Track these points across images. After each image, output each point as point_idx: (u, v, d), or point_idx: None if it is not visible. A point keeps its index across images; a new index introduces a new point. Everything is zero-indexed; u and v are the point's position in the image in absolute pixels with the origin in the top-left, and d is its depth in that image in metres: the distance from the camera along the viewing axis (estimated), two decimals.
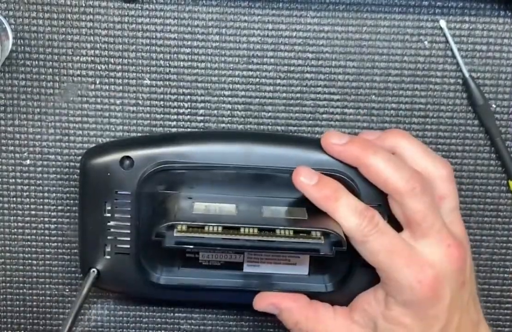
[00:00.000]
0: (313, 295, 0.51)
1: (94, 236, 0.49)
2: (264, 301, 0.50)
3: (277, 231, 0.47)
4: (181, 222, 0.46)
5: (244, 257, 0.51)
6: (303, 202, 0.49)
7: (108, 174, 0.48)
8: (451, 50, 0.51)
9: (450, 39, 0.51)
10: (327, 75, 0.52)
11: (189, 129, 0.52)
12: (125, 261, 0.50)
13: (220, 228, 0.46)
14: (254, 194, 0.49)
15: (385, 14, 0.51)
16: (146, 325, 0.56)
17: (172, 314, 0.56)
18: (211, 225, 0.46)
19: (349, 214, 0.46)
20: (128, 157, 0.48)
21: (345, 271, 0.50)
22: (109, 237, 0.49)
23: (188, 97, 0.52)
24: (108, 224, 0.49)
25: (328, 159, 0.48)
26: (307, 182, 0.47)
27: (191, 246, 0.47)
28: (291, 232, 0.47)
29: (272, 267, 0.51)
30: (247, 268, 0.51)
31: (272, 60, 0.52)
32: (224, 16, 0.51)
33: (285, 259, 0.51)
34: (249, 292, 0.51)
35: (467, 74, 0.51)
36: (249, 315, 0.56)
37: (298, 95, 0.52)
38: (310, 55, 0.51)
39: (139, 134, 0.52)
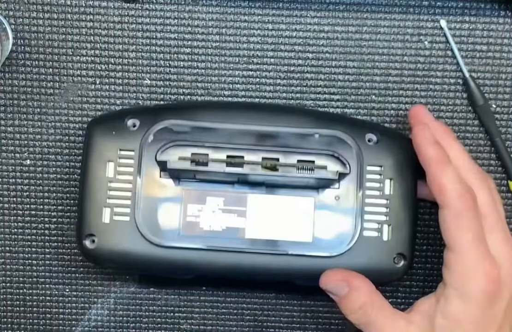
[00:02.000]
0: (317, 259, 0.50)
1: (94, 199, 0.49)
2: (333, 277, 0.49)
3: (281, 160, 0.48)
4: (184, 142, 0.48)
5: (246, 221, 0.51)
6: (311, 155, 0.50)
7: (113, 132, 0.49)
8: (451, 50, 0.51)
9: (450, 39, 0.51)
10: (327, 75, 0.52)
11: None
12: (124, 225, 0.49)
13: (224, 165, 0.48)
14: (259, 148, 0.49)
15: (385, 14, 0.51)
16: (146, 325, 0.56)
17: (172, 314, 0.56)
18: (215, 150, 0.48)
19: (455, 182, 0.46)
20: (133, 118, 0.49)
21: (346, 239, 0.50)
22: (109, 200, 0.49)
23: (188, 97, 0.52)
24: (110, 185, 0.49)
25: (329, 124, 0.49)
26: (429, 138, 0.47)
27: (194, 170, 0.48)
28: (295, 162, 0.48)
29: (275, 232, 0.51)
30: (249, 234, 0.51)
31: (272, 60, 0.52)
32: (224, 16, 0.51)
33: (288, 224, 0.51)
34: (250, 254, 0.50)
35: (467, 74, 0.51)
36: (249, 315, 0.56)
37: (298, 95, 0.52)
38: (310, 55, 0.52)
39: None
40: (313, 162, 0.48)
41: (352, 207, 0.49)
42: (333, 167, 0.49)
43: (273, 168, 0.48)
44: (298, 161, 0.48)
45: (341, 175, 0.49)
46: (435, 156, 0.47)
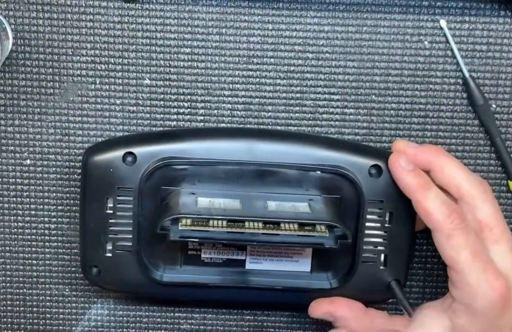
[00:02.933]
0: (316, 292, 0.51)
1: (95, 233, 0.49)
2: (319, 309, 0.51)
3: (282, 225, 0.47)
4: (186, 215, 0.47)
5: (247, 254, 0.51)
6: (306, 197, 0.49)
7: (111, 170, 0.48)
8: (451, 50, 0.51)
9: (450, 39, 0.51)
10: (327, 75, 0.52)
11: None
12: (126, 259, 0.50)
13: (224, 222, 0.47)
14: (258, 189, 0.49)
15: (385, 14, 0.51)
16: (146, 325, 0.56)
17: (172, 314, 0.56)
18: (216, 219, 0.47)
19: (439, 204, 0.46)
20: (130, 153, 0.48)
21: (347, 267, 0.51)
22: (110, 235, 0.49)
23: (188, 97, 0.52)
24: (110, 221, 0.49)
25: (330, 155, 0.49)
26: (405, 167, 0.47)
27: (196, 240, 0.47)
28: (296, 226, 0.47)
29: (275, 264, 0.51)
30: (249, 265, 0.51)
31: (272, 60, 0.52)
32: (224, 16, 0.51)
33: (287, 255, 0.51)
34: (251, 289, 0.51)
35: (467, 74, 0.51)
36: (249, 315, 0.56)
37: (298, 95, 0.52)
38: (310, 55, 0.51)
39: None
40: (314, 226, 0.48)
41: (352, 241, 0.49)
42: (334, 233, 0.48)
43: (275, 228, 0.47)
44: (300, 225, 0.47)
45: (342, 238, 0.48)
46: (415, 183, 0.47)
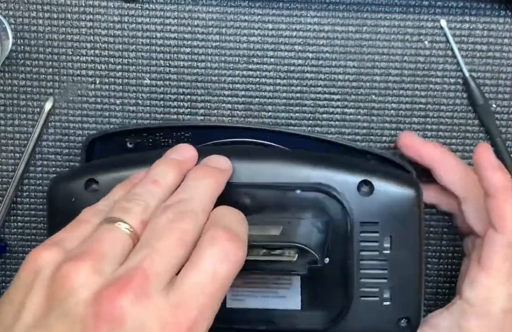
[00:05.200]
0: None
1: None
2: None
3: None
4: None
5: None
6: (285, 220, 0.44)
7: (73, 199, 0.45)
8: (452, 49, 0.51)
9: (450, 38, 0.51)
10: (327, 75, 0.52)
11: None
12: None
13: None
14: None
15: (385, 14, 0.51)
16: None
17: None
18: None
19: None
20: (93, 180, 0.45)
21: (341, 306, 0.45)
22: None
23: (188, 97, 0.52)
24: None
25: (313, 174, 0.44)
26: (493, 164, 0.44)
27: None
28: (263, 251, 0.41)
29: (259, 301, 0.46)
30: (230, 303, 0.46)
31: (272, 60, 0.52)
32: (224, 16, 0.51)
33: (272, 290, 0.46)
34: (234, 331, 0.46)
35: (467, 74, 0.51)
36: None
37: (298, 95, 0.52)
38: (310, 55, 0.51)
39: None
40: (283, 250, 0.40)
41: (345, 270, 0.44)
42: (306, 258, 0.41)
43: None
44: (268, 249, 0.41)
45: (312, 263, 0.41)
46: (502, 183, 0.44)
